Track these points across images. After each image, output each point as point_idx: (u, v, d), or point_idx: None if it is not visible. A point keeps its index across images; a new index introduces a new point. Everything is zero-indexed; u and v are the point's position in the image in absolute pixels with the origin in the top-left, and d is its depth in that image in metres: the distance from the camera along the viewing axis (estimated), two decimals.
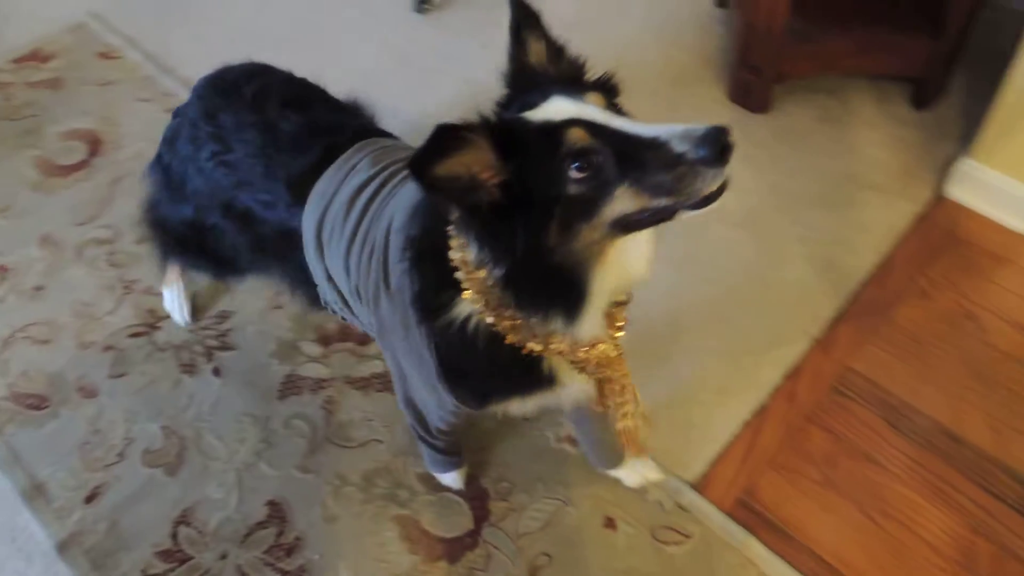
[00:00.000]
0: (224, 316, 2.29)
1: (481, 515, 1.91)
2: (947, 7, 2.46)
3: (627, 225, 1.15)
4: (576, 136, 1.11)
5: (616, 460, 1.90)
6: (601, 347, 1.35)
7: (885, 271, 2.32)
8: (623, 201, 1.12)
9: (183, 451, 2.04)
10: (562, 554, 1.85)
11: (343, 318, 1.76)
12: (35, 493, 1.97)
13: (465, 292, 1.27)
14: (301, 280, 1.75)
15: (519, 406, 1.53)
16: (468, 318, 1.31)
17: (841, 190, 2.51)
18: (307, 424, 2.07)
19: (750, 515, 1.90)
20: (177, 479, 1.99)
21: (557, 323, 1.23)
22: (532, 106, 1.17)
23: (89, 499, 1.96)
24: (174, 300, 2.25)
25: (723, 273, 2.33)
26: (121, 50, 3.05)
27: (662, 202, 1.11)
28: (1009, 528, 1.85)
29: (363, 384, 2.13)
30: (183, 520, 1.93)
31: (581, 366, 1.38)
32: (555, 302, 1.21)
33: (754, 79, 2.66)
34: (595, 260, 1.18)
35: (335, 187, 1.58)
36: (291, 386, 2.14)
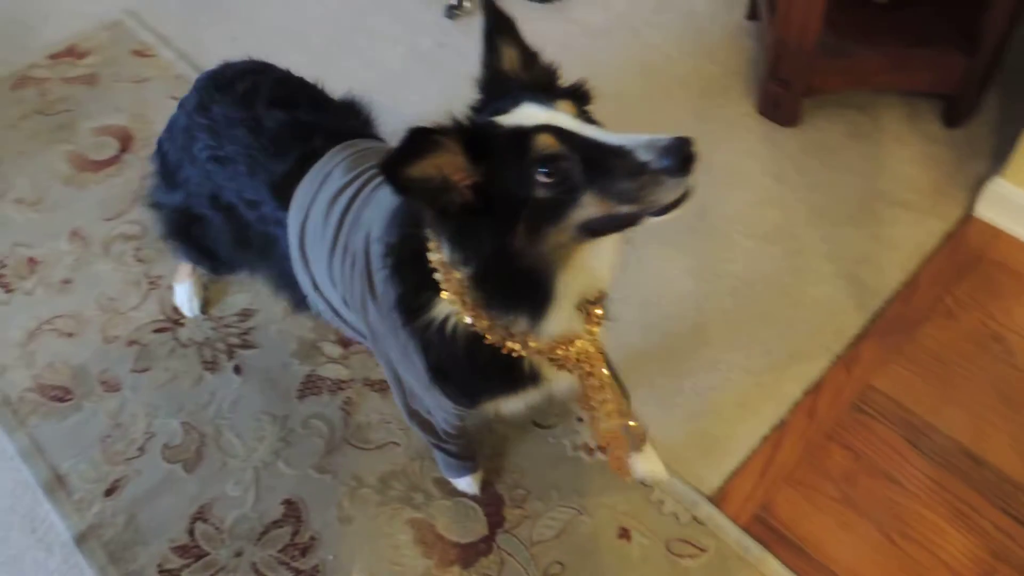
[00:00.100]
0: (247, 314, 2.31)
1: (496, 521, 1.91)
2: (983, 24, 2.43)
3: (593, 230, 1.17)
4: (545, 142, 1.12)
5: (638, 443, 1.88)
6: (579, 343, 1.37)
7: (911, 289, 2.29)
8: (589, 207, 1.13)
9: (202, 447, 2.05)
10: (576, 563, 1.85)
11: (336, 327, 1.77)
12: (56, 485, 2.00)
13: (443, 292, 1.30)
14: (284, 283, 1.77)
15: (509, 404, 1.54)
16: (447, 318, 1.33)
17: (869, 206, 2.48)
18: (325, 424, 2.08)
19: (766, 531, 1.88)
20: (195, 475, 2.01)
21: (522, 323, 1.25)
22: (504, 111, 1.18)
23: (109, 492, 1.98)
24: (184, 293, 2.28)
25: (748, 286, 2.31)
26: (155, 48, 3.09)
27: (626, 208, 1.13)
28: None
29: (382, 386, 2.13)
30: (200, 516, 1.94)
31: (561, 363, 1.39)
32: (521, 302, 1.23)
33: (783, 92, 2.65)
34: (561, 263, 1.20)
35: (312, 196, 1.59)
36: (311, 386, 2.15)
